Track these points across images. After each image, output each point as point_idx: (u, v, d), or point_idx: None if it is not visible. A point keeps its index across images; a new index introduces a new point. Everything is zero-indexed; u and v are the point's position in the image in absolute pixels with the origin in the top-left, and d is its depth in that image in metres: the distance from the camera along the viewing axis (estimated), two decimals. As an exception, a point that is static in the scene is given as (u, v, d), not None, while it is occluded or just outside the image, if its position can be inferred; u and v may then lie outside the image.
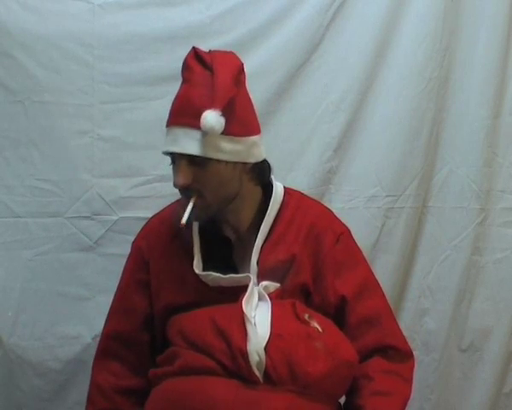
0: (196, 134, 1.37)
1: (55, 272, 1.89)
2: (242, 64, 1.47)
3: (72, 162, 1.88)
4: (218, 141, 1.38)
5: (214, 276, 1.44)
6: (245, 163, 1.45)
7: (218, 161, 1.40)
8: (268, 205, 1.51)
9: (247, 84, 1.50)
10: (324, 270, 1.50)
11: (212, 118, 1.34)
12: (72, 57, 1.86)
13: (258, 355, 1.30)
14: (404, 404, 1.47)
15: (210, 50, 1.46)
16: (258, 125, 1.50)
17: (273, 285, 1.45)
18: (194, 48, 1.45)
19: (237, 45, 1.93)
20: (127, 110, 1.90)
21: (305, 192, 1.96)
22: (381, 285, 2.02)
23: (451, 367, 2.11)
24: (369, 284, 1.56)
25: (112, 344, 1.59)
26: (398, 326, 1.59)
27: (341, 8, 1.98)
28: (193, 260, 1.46)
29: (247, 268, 1.46)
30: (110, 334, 1.59)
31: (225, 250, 1.51)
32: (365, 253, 2.00)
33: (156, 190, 1.91)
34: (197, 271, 1.45)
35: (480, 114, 2.06)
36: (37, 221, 1.88)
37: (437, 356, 2.09)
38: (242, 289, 1.41)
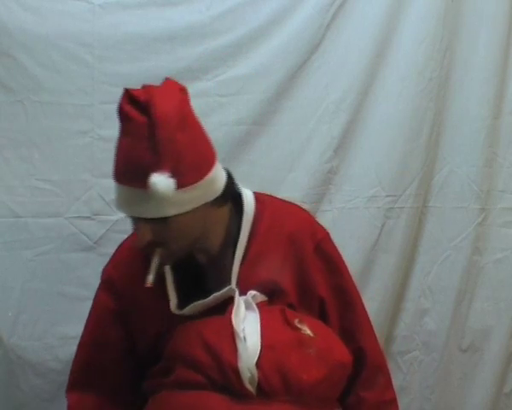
0: (144, 195, 1.25)
1: (55, 272, 1.89)
2: (184, 91, 1.34)
3: (72, 162, 1.88)
4: (171, 198, 1.26)
5: (196, 305, 1.38)
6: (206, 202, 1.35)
7: (176, 215, 1.29)
8: (238, 218, 1.42)
9: (192, 109, 1.37)
10: (309, 284, 1.44)
11: (160, 183, 1.23)
12: (72, 57, 1.86)
13: (250, 371, 1.26)
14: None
15: (144, 86, 1.31)
16: (212, 155, 1.36)
17: (261, 296, 1.39)
18: (126, 90, 1.29)
19: (237, 45, 1.94)
20: (127, 110, 1.89)
21: (304, 192, 1.99)
22: (381, 285, 2.04)
23: (452, 367, 2.11)
24: (348, 296, 1.50)
25: (84, 376, 1.51)
26: (375, 337, 1.53)
27: (341, 8, 1.98)
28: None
29: (222, 288, 1.38)
30: (82, 366, 1.51)
31: (198, 274, 1.43)
32: (365, 253, 2.03)
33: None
34: (175, 312, 1.39)
35: (481, 114, 2.06)
36: (37, 221, 1.88)
37: (437, 356, 2.09)
38: (227, 302, 1.36)
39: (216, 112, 1.94)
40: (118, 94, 1.88)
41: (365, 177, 2.03)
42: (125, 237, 1.66)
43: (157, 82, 1.89)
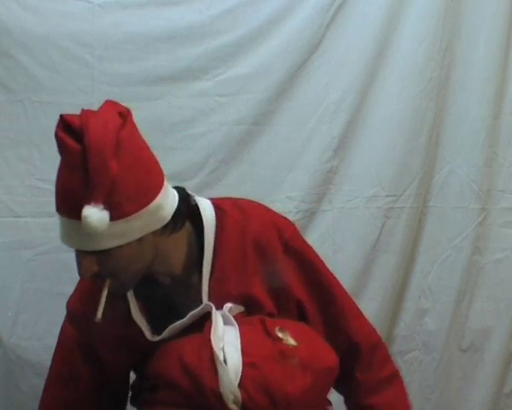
0: (82, 228, 1.16)
1: (55, 272, 1.89)
2: (123, 114, 1.23)
3: (72, 162, 1.88)
4: (110, 229, 1.17)
5: (174, 327, 1.32)
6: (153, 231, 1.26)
7: (119, 245, 1.21)
8: (200, 233, 1.34)
9: (136, 131, 1.26)
10: (282, 286, 1.38)
11: (91, 216, 1.15)
12: (72, 57, 1.87)
13: (233, 394, 1.22)
14: (404, 388, 1.47)
15: (82, 111, 1.23)
16: (157, 181, 1.26)
17: (238, 308, 1.34)
18: (61, 116, 1.20)
19: (237, 45, 1.94)
20: (127, 110, 1.89)
21: (305, 192, 1.99)
22: (381, 285, 2.04)
23: (452, 367, 2.11)
24: (325, 289, 1.43)
25: None
26: (362, 319, 1.47)
27: (342, 8, 1.98)
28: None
29: (193, 307, 1.32)
30: (50, 404, 1.45)
31: (165, 296, 1.37)
32: (365, 253, 2.03)
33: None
34: (152, 339, 1.33)
35: (481, 114, 2.06)
36: (37, 221, 1.88)
37: (437, 356, 2.08)
38: (204, 317, 1.31)
39: (216, 112, 1.95)
40: (118, 94, 1.89)
41: (365, 177, 2.03)
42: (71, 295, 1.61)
43: (157, 82, 1.91)
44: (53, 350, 1.80)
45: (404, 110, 2.01)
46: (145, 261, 1.28)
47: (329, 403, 1.43)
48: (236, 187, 1.93)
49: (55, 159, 1.87)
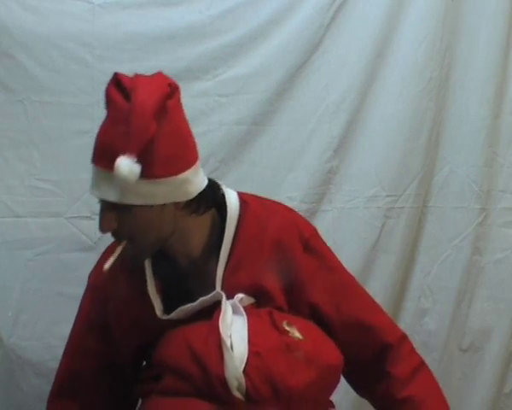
0: (113, 179, 1.23)
1: (55, 272, 1.89)
2: (172, 86, 1.31)
3: (72, 162, 1.88)
4: (137, 186, 1.24)
5: (183, 309, 1.36)
6: (176, 202, 1.32)
7: (141, 205, 1.28)
8: (222, 222, 1.39)
9: (181, 108, 1.34)
10: (298, 285, 1.42)
11: (124, 166, 1.21)
12: (72, 57, 1.87)
13: (237, 380, 1.25)
14: (431, 373, 1.50)
15: (136, 74, 1.31)
16: (192, 157, 1.34)
17: (248, 299, 1.37)
18: (115, 74, 1.30)
19: (237, 45, 1.94)
20: (127, 110, 1.89)
21: (305, 192, 1.99)
22: (381, 285, 2.04)
23: (452, 367, 2.11)
24: (345, 288, 1.47)
25: (67, 384, 1.50)
26: (384, 317, 1.51)
27: (342, 8, 1.99)
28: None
29: (206, 292, 1.36)
30: (65, 374, 1.51)
31: (180, 278, 1.41)
32: (365, 253, 2.03)
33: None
34: (162, 317, 1.37)
35: (481, 114, 2.06)
36: (37, 221, 1.88)
37: (437, 356, 2.08)
38: (214, 305, 1.34)
39: (216, 112, 1.95)
40: (118, 94, 1.90)
41: (365, 177, 2.03)
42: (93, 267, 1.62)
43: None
44: (53, 350, 1.81)
45: (404, 110, 2.02)
46: (163, 231, 1.34)
47: (332, 405, 1.44)
48: (236, 187, 1.91)
49: (55, 159, 1.89)
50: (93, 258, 1.88)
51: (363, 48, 1.99)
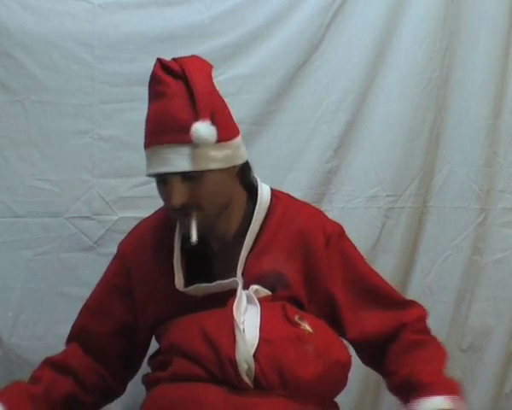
0: (185, 149, 1.31)
1: (55, 272, 1.89)
2: (211, 66, 1.40)
3: (72, 162, 1.89)
4: (209, 151, 1.32)
5: (200, 286, 1.40)
6: (234, 166, 1.41)
7: (212, 170, 1.34)
8: (252, 209, 1.46)
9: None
10: (318, 278, 1.46)
11: (204, 130, 1.29)
12: (72, 57, 1.87)
13: (247, 363, 1.27)
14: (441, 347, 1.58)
15: (174, 58, 1.37)
16: (236, 125, 1.44)
17: (264, 291, 1.41)
18: (158, 59, 1.36)
19: (237, 45, 1.94)
20: (127, 110, 1.90)
21: (305, 192, 1.98)
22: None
23: (451, 367, 2.10)
24: (366, 284, 1.50)
25: (82, 337, 1.53)
26: (402, 299, 1.56)
27: (342, 8, 1.98)
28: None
29: (228, 277, 1.40)
30: (82, 328, 1.54)
31: (206, 261, 1.47)
32: (365, 253, 2.01)
33: (156, 190, 1.91)
34: (180, 288, 1.41)
35: (481, 114, 2.06)
36: (37, 221, 1.88)
37: (437, 356, 2.08)
38: (230, 293, 1.37)
39: (216, 112, 1.95)
40: (118, 94, 1.90)
41: (365, 177, 2.03)
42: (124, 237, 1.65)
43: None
44: (53, 350, 1.80)
45: (404, 110, 2.02)
46: (227, 197, 1.41)
47: (337, 407, 1.45)
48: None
49: (55, 159, 1.89)
50: (93, 258, 1.90)
51: (363, 48, 1.99)
